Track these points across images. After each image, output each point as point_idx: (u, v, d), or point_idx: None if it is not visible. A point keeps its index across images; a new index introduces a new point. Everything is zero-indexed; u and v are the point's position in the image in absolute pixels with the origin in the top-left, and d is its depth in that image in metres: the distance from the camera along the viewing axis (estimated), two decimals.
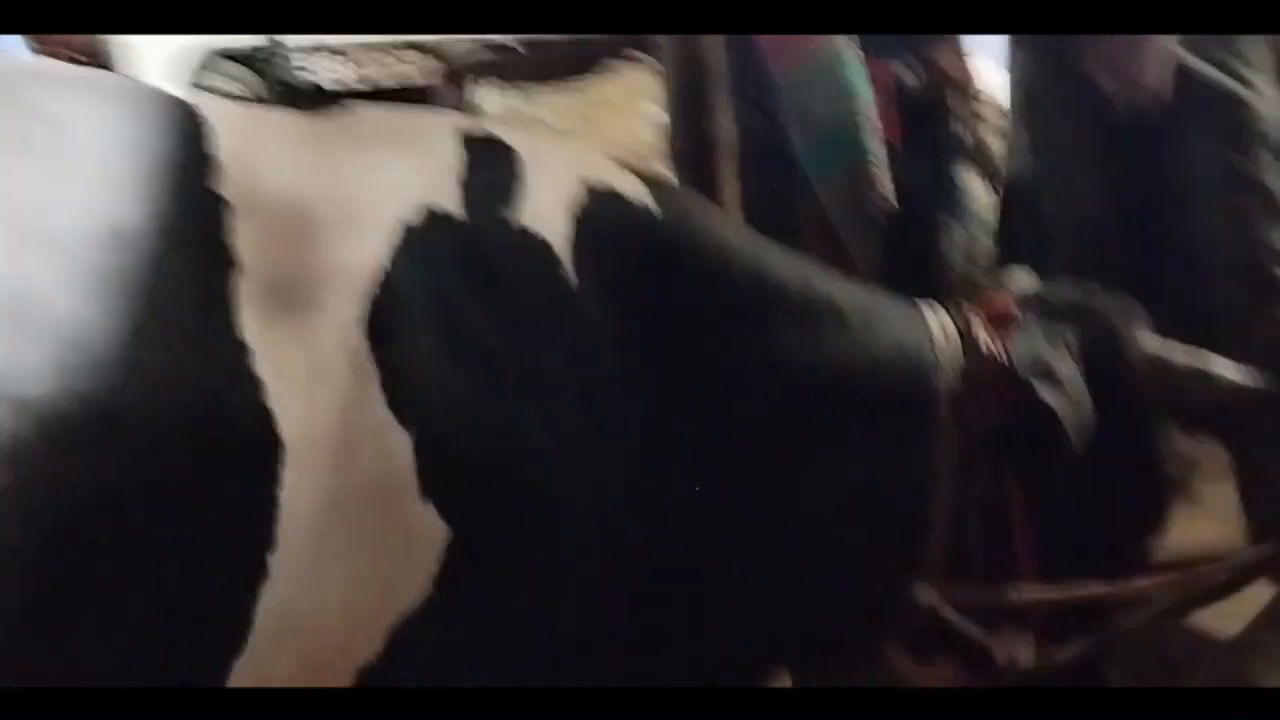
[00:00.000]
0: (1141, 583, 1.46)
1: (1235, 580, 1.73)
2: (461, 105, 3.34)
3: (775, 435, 1.28)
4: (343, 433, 1.00)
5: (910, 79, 2.25)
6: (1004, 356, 1.36)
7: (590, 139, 3.76)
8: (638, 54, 3.32)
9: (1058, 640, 1.41)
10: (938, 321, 1.40)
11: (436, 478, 1.03)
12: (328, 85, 3.18)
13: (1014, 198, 2.24)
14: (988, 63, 2.45)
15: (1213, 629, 1.83)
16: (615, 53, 3.51)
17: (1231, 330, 1.83)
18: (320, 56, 3.20)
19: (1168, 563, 1.53)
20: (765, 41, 2.09)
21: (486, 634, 1.08)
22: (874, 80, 2.07)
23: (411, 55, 3.32)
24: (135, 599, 0.91)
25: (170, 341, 0.93)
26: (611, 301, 1.18)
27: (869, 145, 1.99)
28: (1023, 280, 1.65)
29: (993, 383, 1.35)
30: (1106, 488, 1.40)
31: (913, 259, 2.11)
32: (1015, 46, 2.19)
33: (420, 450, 1.02)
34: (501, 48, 3.29)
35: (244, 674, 0.96)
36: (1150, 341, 1.44)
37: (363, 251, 1.05)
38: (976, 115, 2.42)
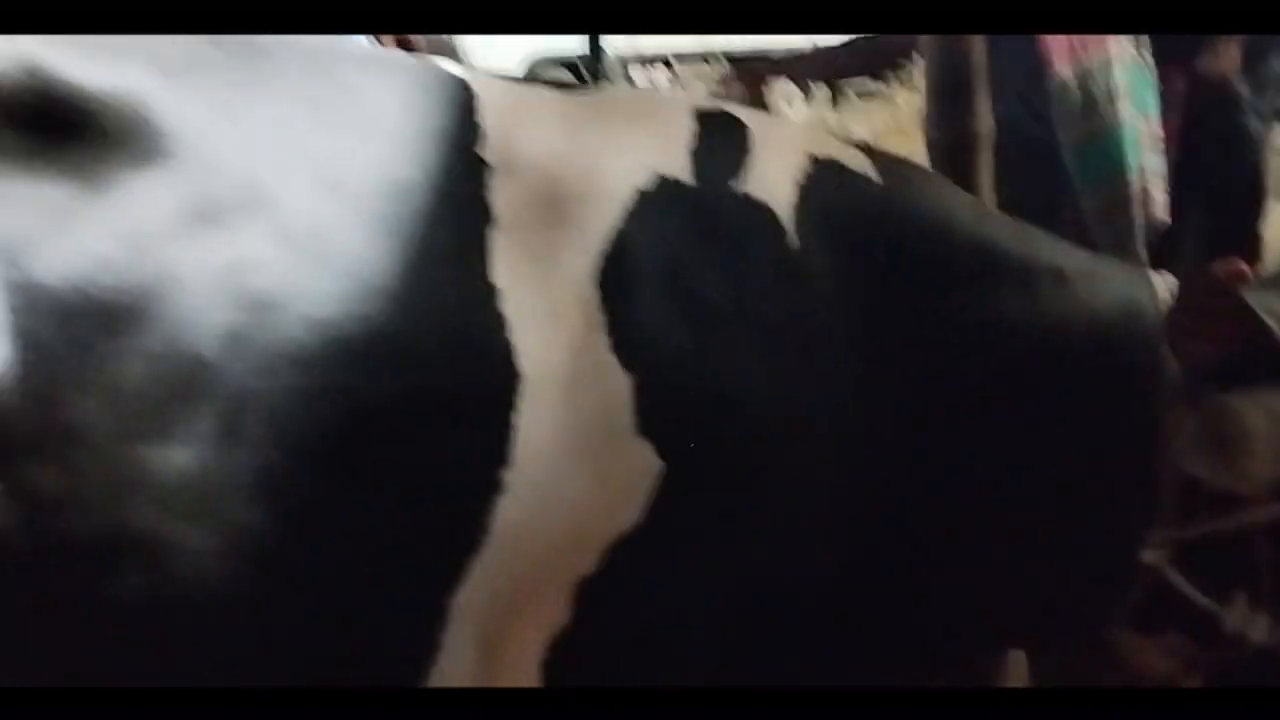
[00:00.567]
0: None
1: None
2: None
3: (993, 394, 1.30)
4: (573, 371, 1.14)
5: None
6: (1233, 299, 1.29)
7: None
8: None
9: None
10: (1164, 283, 1.37)
11: (654, 418, 1.15)
12: None
13: None
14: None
15: None
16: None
17: None
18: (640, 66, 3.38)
19: None
20: (1048, 40, 2.10)
21: (693, 563, 1.18)
22: (1163, 83, 2.03)
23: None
24: (389, 494, 1.08)
25: (434, 280, 1.11)
26: (833, 263, 1.26)
27: (1138, 157, 1.96)
28: None
29: (1219, 318, 1.29)
30: None
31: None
32: None
33: (640, 392, 1.14)
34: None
35: (479, 575, 1.11)
36: None
37: (600, 213, 1.19)
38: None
